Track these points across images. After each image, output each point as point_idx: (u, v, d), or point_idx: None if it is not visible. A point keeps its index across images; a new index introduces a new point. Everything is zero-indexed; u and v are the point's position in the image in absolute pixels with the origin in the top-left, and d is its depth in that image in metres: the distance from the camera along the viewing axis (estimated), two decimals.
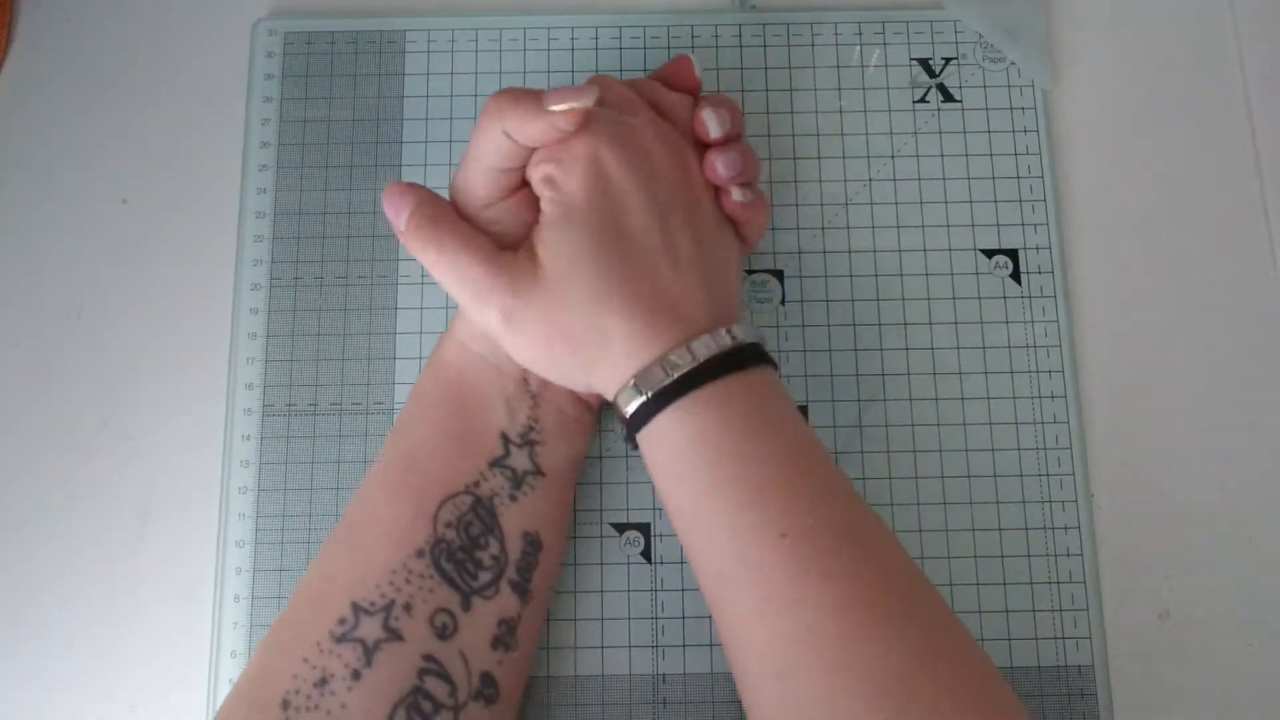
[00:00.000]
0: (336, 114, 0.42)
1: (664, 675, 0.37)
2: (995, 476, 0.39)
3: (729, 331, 0.32)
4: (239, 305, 0.41)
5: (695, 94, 0.38)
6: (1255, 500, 0.39)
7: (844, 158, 0.42)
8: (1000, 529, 0.38)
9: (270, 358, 0.40)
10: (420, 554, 0.32)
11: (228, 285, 0.41)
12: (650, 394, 0.31)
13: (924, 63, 0.43)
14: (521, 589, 0.33)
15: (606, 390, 0.33)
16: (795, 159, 0.42)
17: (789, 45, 0.43)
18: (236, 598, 0.38)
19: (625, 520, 0.39)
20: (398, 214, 0.34)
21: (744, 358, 0.32)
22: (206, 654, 0.38)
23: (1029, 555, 0.38)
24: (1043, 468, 0.39)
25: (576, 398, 0.36)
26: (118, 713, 0.38)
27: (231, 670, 0.37)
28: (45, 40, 0.44)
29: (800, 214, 0.41)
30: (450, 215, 0.34)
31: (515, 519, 0.34)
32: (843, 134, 0.42)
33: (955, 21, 0.43)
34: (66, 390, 0.40)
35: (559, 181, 0.33)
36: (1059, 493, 0.39)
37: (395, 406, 0.40)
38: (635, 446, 0.34)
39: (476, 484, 0.33)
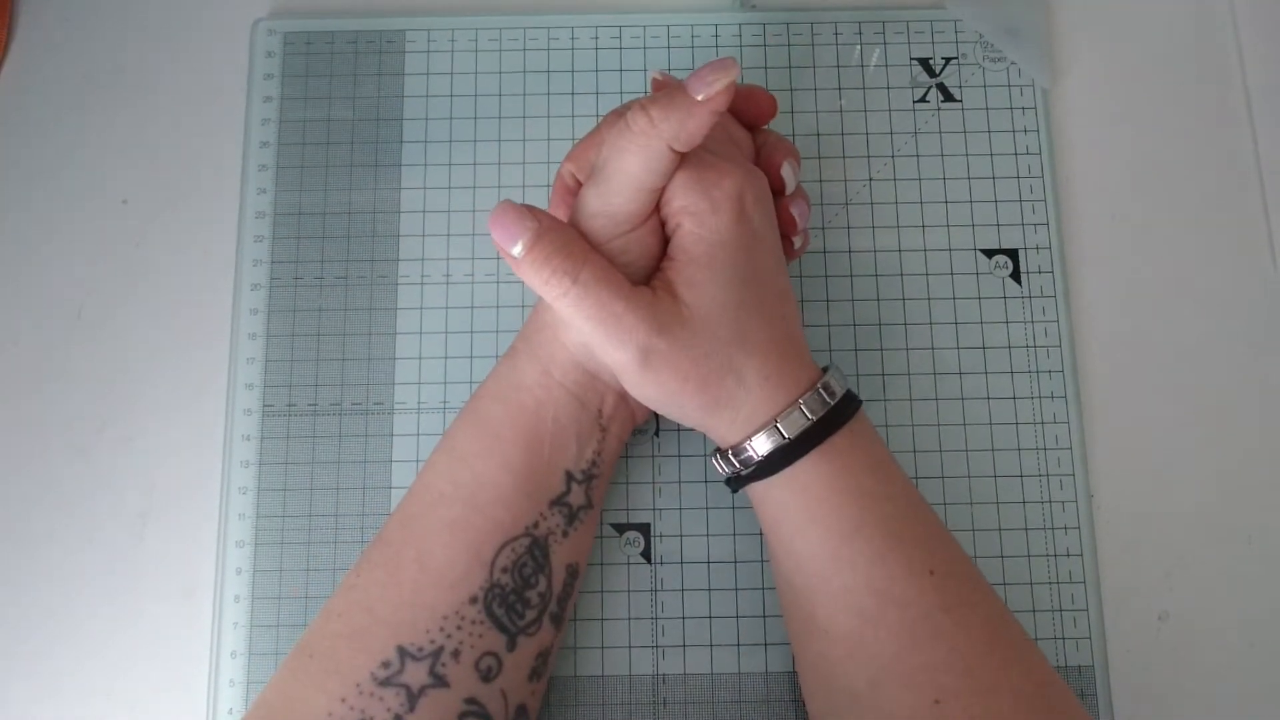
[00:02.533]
0: (336, 114, 0.42)
1: (664, 675, 0.37)
2: (995, 477, 0.39)
3: (840, 372, 0.33)
4: (239, 305, 0.41)
5: (764, 124, 0.37)
6: (1255, 500, 0.39)
7: (844, 158, 0.42)
8: (1000, 529, 0.38)
9: (270, 358, 0.40)
10: (474, 600, 0.31)
11: (228, 285, 0.41)
12: (793, 437, 0.31)
13: (924, 63, 0.43)
14: (558, 618, 0.33)
15: (727, 433, 0.32)
16: None
17: (789, 45, 0.43)
18: (236, 598, 0.38)
19: (625, 520, 0.39)
20: (511, 239, 0.31)
21: (855, 399, 0.33)
22: (206, 654, 0.38)
23: (1029, 555, 0.38)
24: (1043, 468, 0.39)
25: (634, 420, 0.35)
26: (118, 713, 0.38)
27: (232, 670, 0.37)
28: (45, 40, 0.44)
29: None
30: (584, 244, 0.32)
31: (563, 554, 0.33)
32: (843, 134, 0.42)
33: (955, 21, 0.43)
34: (66, 390, 0.40)
35: (705, 217, 0.32)
36: (1059, 493, 0.39)
37: (395, 407, 0.40)
38: (736, 489, 0.34)
39: (535, 524, 0.32)
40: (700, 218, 0.32)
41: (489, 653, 0.31)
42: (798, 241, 0.37)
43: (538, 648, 0.32)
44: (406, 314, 0.41)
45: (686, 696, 0.37)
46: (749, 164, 0.34)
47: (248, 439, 0.39)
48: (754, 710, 0.37)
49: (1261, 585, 0.38)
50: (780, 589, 0.34)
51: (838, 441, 0.32)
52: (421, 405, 0.40)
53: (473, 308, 0.41)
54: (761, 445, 0.32)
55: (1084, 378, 0.40)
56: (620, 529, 0.39)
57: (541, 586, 0.32)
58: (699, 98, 0.30)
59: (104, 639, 0.38)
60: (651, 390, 0.32)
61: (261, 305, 0.41)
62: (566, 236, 0.31)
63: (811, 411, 0.31)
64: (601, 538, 0.38)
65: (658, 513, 0.39)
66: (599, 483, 0.34)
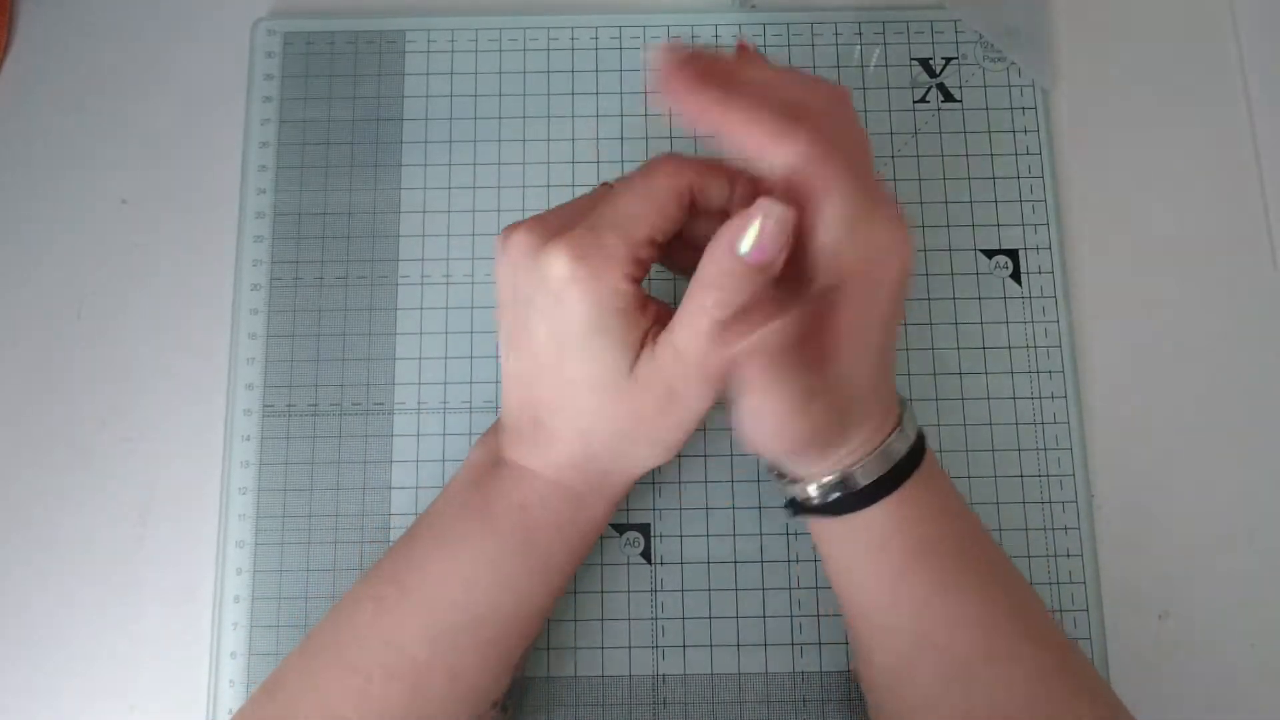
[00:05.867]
0: (336, 114, 0.42)
1: (664, 676, 0.37)
2: (995, 477, 0.39)
3: (911, 410, 0.33)
4: (239, 305, 0.41)
5: None
6: (1255, 501, 0.39)
7: None
8: (1000, 529, 0.38)
9: (270, 358, 0.40)
10: (495, 704, 0.33)
11: (228, 285, 0.41)
12: (866, 485, 0.31)
13: (924, 63, 0.43)
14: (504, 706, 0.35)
15: (806, 470, 0.31)
16: None
17: (789, 45, 0.43)
18: (236, 598, 0.38)
19: (625, 521, 0.39)
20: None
21: (923, 439, 0.33)
22: (206, 654, 0.38)
23: (1029, 556, 0.38)
24: (1043, 468, 0.39)
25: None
26: (118, 713, 0.38)
27: (231, 670, 0.37)
28: (45, 40, 0.44)
29: None
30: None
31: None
32: None
33: (955, 21, 0.43)
34: (66, 390, 0.40)
35: (890, 279, 0.29)
36: (1059, 493, 0.39)
37: (395, 407, 0.40)
38: (795, 516, 0.33)
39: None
40: (882, 283, 0.28)
41: None
42: None
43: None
44: (406, 314, 0.41)
45: (686, 696, 0.37)
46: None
47: (248, 439, 0.39)
48: (754, 710, 0.37)
49: (1261, 585, 0.38)
50: (844, 601, 0.34)
51: (908, 487, 0.31)
52: (421, 405, 0.40)
53: (473, 308, 0.41)
54: (834, 489, 0.31)
55: (1084, 378, 0.40)
56: (620, 529, 0.39)
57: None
58: (750, 257, 0.26)
59: (104, 639, 0.38)
60: (772, 433, 0.29)
61: (261, 305, 0.41)
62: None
63: (888, 459, 0.31)
64: (602, 538, 0.38)
65: (658, 513, 0.39)
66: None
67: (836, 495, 0.31)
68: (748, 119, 0.27)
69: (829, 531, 0.33)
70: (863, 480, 0.31)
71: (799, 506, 0.33)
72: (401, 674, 0.31)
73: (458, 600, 0.31)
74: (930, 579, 0.31)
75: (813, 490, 0.31)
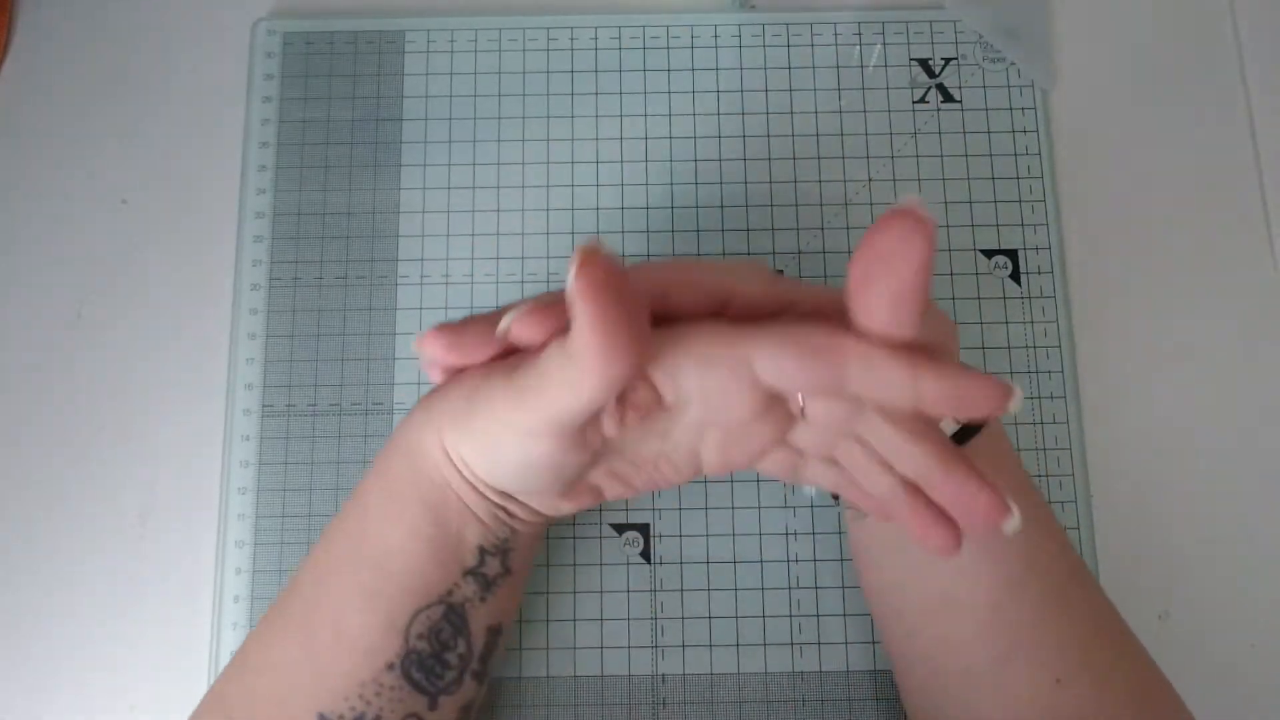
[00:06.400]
0: (336, 114, 0.42)
1: (663, 675, 0.37)
2: None
3: None
4: (239, 305, 0.41)
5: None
6: (1255, 500, 0.39)
7: (844, 158, 0.42)
8: None
9: (270, 358, 0.40)
10: (391, 667, 0.30)
11: (227, 285, 0.41)
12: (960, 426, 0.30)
13: (924, 63, 0.43)
14: (481, 675, 0.33)
15: None
16: (795, 159, 0.42)
17: (789, 45, 0.43)
18: (236, 598, 0.38)
19: (625, 521, 0.39)
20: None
21: None
22: (206, 654, 0.38)
23: None
24: (1043, 468, 0.39)
25: (548, 520, 0.33)
26: (118, 713, 0.38)
27: None
28: (45, 40, 0.44)
29: (800, 214, 0.41)
30: None
31: (482, 618, 0.32)
32: (843, 134, 0.42)
33: (955, 21, 0.43)
34: (66, 390, 0.40)
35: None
36: (1059, 493, 0.39)
37: (395, 406, 0.40)
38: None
39: (449, 593, 0.31)
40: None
41: (411, 714, 0.31)
42: None
43: (460, 703, 0.32)
44: (406, 314, 0.41)
45: (686, 696, 0.37)
46: None
47: (247, 439, 0.39)
48: (753, 710, 0.37)
49: (1261, 585, 0.38)
50: (886, 585, 0.33)
51: (976, 441, 0.31)
52: None
53: (472, 308, 0.41)
54: None
55: (1084, 378, 0.40)
56: (620, 529, 0.39)
57: (461, 649, 0.32)
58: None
59: (104, 639, 0.38)
60: None
61: (261, 305, 0.41)
62: None
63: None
64: (601, 538, 0.38)
65: (657, 513, 0.39)
66: (517, 555, 0.33)
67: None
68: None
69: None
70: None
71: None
72: (298, 620, 0.31)
73: (337, 535, 0.32)
74: (1029, 502, 0.31)
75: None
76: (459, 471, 0.30)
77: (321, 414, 0.40)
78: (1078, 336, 0.40)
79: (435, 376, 0.31)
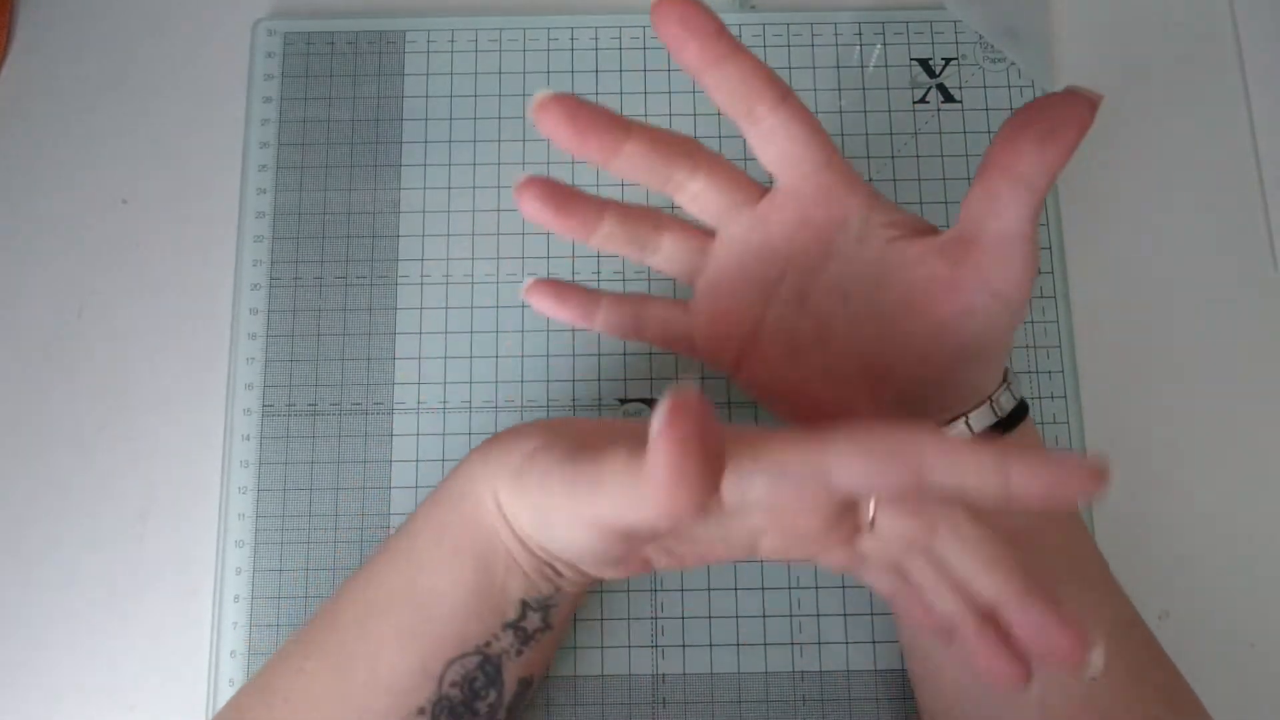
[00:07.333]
0: (336, 114, 0.42)
1: (664, 675, 0.37)
2: None
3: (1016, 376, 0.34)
4: (239, 305, 0.41)
5: None
6: (1255, 500, 0.39)
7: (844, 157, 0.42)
8: None
9: (270, 358, 0.40)
10: (422, 712, 0.30)
11: (228, 285, 0.41)
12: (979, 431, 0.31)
13: (924, 63, 0.43)
14: None
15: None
16: None
17: (789, 45, 0.43)
18: (236, 598, 0.38)
19: None
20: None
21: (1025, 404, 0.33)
22: (206, 654, 0.38)
23: None
24: None
25: (590, 579, 0.32)
26: (118, 713, 0.38)
27: (231, 670, 0.37)
28: (45, 40, 0.44)
29: None
30: None
31: (516, 670, 0.32)
32: (843, 134, 0.42)
33: (955, 22, 0.43)
34: (66, 390, 0.40)
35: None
36: None
37: (395, 406, 0.40)
38: None
39: (488, 644, 0.31)
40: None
41: None
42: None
43: None
44: (406, 314, 0.41)
45: (686, 696, 0.37)
46: None
47: (247, 439, 0.39)
48: (754, 710, 0.37)
49: (1261, 585, 0.38)
50: (942, 685, 0.33)
51: (1011, 439, 0.31)
52: (421, 405, 0.40)
53: (473, 308, 0.41)
54: (976, 427, 0.31)
55: (1084, 378, 0.40)
56: None
57: (491, 699, 0.31)
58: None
59: (104, 639, 0.38)
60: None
61: (261, 305, 0.41)
62: None
63: (998, 410, 0.31)
64: None
65: None
66: (558, 611, 0.32)
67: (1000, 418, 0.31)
68: None
69: None
70: (976, 428, 0.31)
71: None
72: (334, 654, 0.31)
73: (384, 571, 0.32)
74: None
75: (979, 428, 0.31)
76: (510, 526, 0.30)
77: (322, 414, 0.40)
78: (1078, 336, 0.40)
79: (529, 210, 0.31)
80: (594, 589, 0.38)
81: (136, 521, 0.39)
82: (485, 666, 0.31)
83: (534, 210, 0.30)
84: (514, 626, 0.31)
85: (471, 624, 0.31)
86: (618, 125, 0.29)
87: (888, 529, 0.27)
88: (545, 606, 0.32)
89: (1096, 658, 0.24)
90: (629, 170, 0.29)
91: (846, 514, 0.27)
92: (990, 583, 0.26)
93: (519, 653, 0.32)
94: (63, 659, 0.38)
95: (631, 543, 0.27)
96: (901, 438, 0.24)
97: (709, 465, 0.22)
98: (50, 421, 0.40)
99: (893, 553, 0.28)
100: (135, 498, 0.39)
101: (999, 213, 0.29)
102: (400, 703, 0.30)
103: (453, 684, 0.30)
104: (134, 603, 0.38)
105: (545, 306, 0.33)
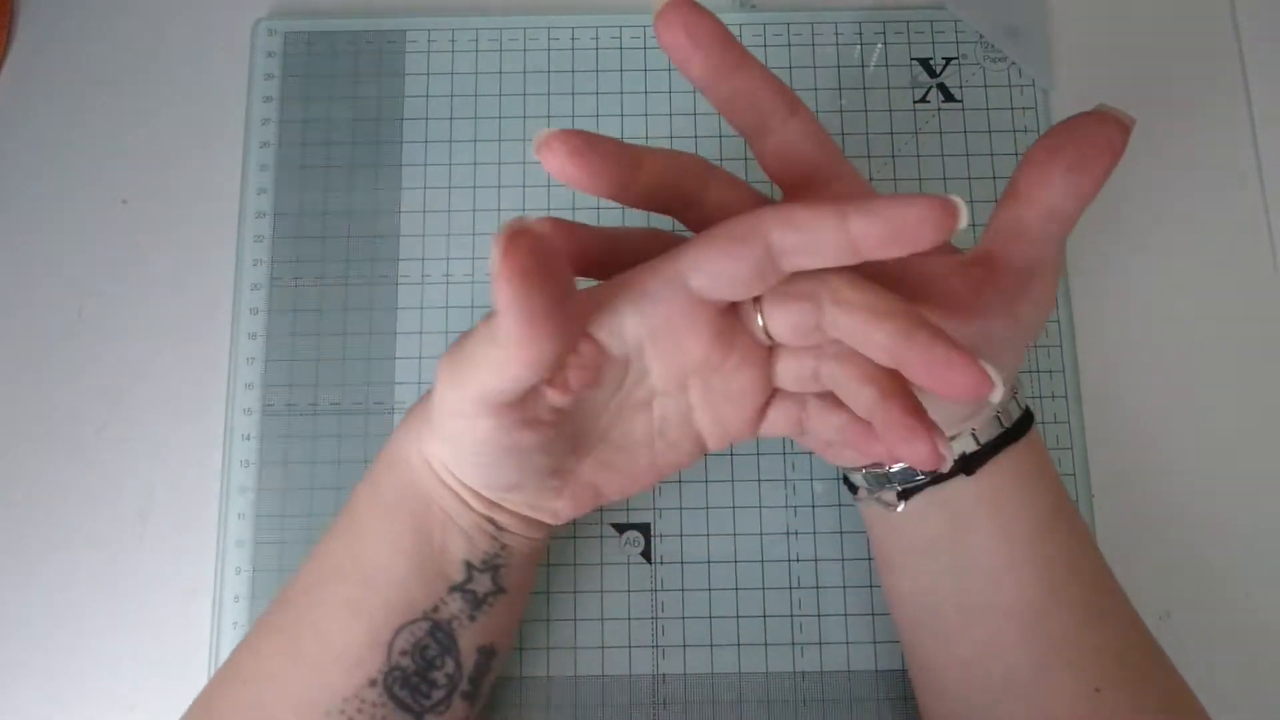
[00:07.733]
0: (336, 114, 0.42)
1: (664, 675, 0.37)
2: None
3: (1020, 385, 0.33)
4: (239, 305, 0.41)
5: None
6: (1255, 500, 0.39)
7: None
8: None
9: (270, 358, 0.40)
10: (373, 683, 0.30)
11: (228, 285, 0.41)
12: (986, 442, 0.31)
13: (924, 63, 0.43)
14: (472, 696, 0.32)
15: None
16: None
17: (789, 45, 0.43)
18: (236, 598, 0.38)
19: (625, 520, 0.39)
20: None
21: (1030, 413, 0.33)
22: (206, 654, 0.38)
23: None
24: None
25: (539, 524, 0.32)
26: (118, 713, 0.38)
27: None
28: (45, 40, 0.44)
29: None
30: None
31: (472, 637, 0.31)
32: (843, 134, 0.42)
33: (955, 21, 0.43)
34: (66, 390, 0.40)
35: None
36: None
37: (395, 406, 0.40)
38: (906, 498, 0.32)
39: (435, 609, 0.30)
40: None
41: None
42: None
43: None
44: (406, 314, 0.41)
45: (686, 696, 0.37)
46: None
47: (248, 439, 0.39)
48: (754, 710, 0.37)
49: (1261, 585, 0.38)
50: (918, 590, 0.33)
51: (1018, 448, 0.31)
52: None
53: (472, 308, 0.41)
54: (991, 433, 0.31)
55: (1084, 378, 0.40)
56: (620, 529, 0.39)
57: (449, 668, 0.31)
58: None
59: (104, 639, 0.38)
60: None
61: (261, 305, 0.41)
62: None
63: (1006, 419, 0.31)
64: (601, 538, 0.38)
65: (658, 512, 0.39)
66: (510, 572, 0.32)
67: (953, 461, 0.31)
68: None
69: (958, 500, 0.32)
70: (983, 438, 0.31)
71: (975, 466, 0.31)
72: (286, 630, 0.31)
73: (329, 547, 0.31)
74: (1071, 511, 0.32)
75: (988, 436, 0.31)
76: (440, 479, 0.30)
77: (322, 413, 0.40)
78: (1078, 336, 0.40)
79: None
80: (593, 589, 0.38)
81: (136, 521, 0.39)
82: (436, 634, 0.31)
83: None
84: (461, 589, 0.31)
85: (415, 590, 0.30)
86: (627, 157, 0.27)
87: (779, 325, 0.27)
88: (493, 567, 0.31)
89: (996, 387, 0.24)
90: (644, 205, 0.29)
91: (738, 332, 0.27)
92: (883, 336, 0.25)
93: (472, 618, 0.31)
94: (63, 659, 0.38)
95: (528, 419, 0.26)
96: (740, 220, 0.24)
97: (555, 290, 0.22)
98: (50, 421, 0.40)
99: (807, 368, 0.28)
100: (135, 498, 0.39)
101: (1027, 241, 0.29)
102: (351, 673, 0.30)
103: (403, 652, 0.30)
104: (134, 603, 0.38)
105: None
